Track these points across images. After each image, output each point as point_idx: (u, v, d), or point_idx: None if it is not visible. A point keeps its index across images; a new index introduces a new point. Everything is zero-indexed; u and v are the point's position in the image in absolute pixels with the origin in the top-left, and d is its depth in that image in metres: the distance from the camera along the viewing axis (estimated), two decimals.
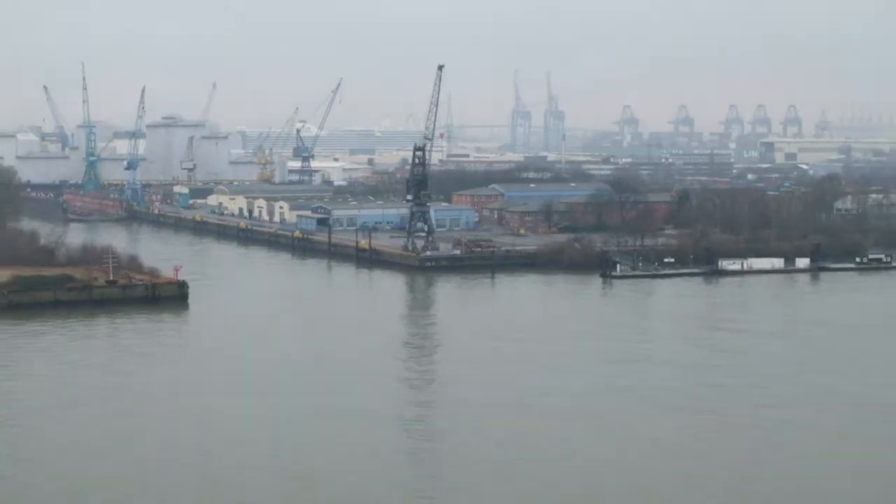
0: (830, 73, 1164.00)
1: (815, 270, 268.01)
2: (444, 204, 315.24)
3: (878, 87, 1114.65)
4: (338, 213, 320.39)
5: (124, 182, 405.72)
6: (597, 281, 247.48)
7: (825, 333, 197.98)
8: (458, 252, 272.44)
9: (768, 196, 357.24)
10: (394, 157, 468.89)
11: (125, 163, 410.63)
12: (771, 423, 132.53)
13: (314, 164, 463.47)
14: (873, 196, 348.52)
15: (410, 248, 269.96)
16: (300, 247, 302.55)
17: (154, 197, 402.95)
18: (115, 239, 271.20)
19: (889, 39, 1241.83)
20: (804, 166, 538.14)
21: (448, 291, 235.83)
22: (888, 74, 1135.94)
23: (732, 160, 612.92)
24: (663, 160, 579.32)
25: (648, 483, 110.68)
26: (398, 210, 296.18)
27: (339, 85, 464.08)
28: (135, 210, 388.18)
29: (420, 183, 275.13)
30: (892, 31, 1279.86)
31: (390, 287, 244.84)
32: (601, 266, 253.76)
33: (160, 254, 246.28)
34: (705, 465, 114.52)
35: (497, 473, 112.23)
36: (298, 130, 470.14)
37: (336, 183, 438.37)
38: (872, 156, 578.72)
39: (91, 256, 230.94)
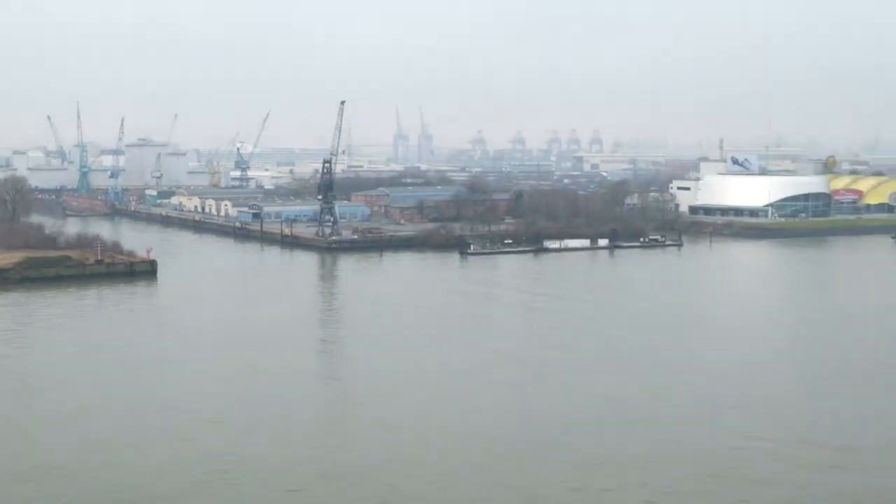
0: (622, 107, 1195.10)
1: (611, 248, 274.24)
2: (345, 202, 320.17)
3: (655, 117, 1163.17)
4: (267, 209, 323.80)
5: (108, 187, 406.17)
6: (456, 257, 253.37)
7: (608, 293, 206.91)
8: (355, 237, 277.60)
9: (579, 195, 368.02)
10: (309, 168, 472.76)
11: (109, 173, 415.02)
12: (546, 356, 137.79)
13: (250, 173, 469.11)
14: (652, 195, 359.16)
15: (321, 234, 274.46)
16: (240, 234, 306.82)
17: (131, 198, 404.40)
18: (102, 230, 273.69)
19: (658, 79, 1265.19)
20: (604, 174, 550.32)
21: (348, 265, 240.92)
22: (662, 107, 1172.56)
23: (553, 169, 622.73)
24: (504, 169, 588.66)
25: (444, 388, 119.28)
26: (312, 207, 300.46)
27: (267, 115, 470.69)
28: (117, 208, 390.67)
29: (328, 187, 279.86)
30: (662, 74, 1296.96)
31: (306, 263, 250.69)
32: (459, 246, 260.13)
33: (136, 240, 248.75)
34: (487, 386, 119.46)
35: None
36: (238, 148, 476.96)
37: (266, 187, 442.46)
38: (652, 166, 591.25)
39: (84, 242, 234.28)
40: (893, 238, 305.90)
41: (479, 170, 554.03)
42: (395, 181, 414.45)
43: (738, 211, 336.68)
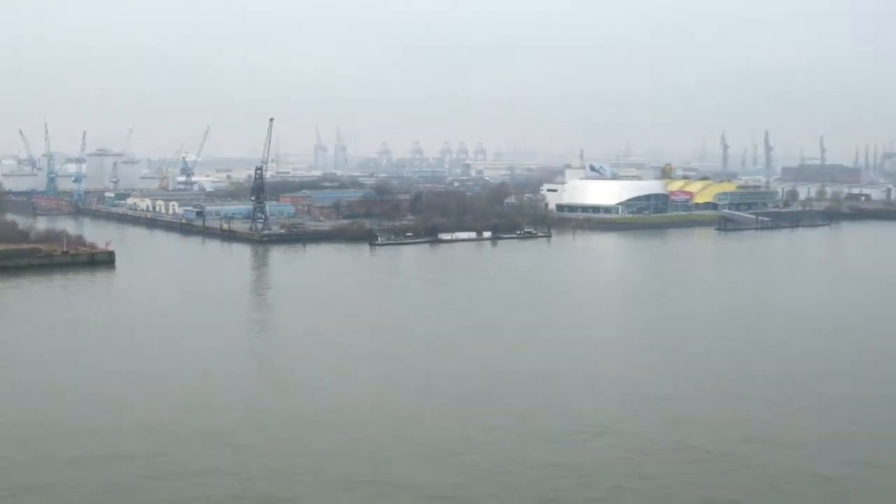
0: (502, 123, 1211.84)
1: (494, 239, 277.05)
2: (274, 202, 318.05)
3: (529, 131, 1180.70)
4: (208, 208, 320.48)
5: (73, 190, 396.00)
6: (366, 247, 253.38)
7: (488, 276, 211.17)
8: (283, 231, 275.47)
9: (467, 195, 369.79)
10: (244, 174, 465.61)
11: (73, 178, 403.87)
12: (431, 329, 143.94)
13: (194, 178, 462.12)
14: (526, 195, 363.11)
15: (254, 229, 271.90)
16: (185, 229, 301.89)
17: (92, 199, 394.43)
18: (67, 226, 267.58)
19: (530, 100, 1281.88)
20: (487, 178, 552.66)
21: (277, 255, 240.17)
22: (534, 123, 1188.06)
23: (446, 175, 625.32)
24: (405, 175, 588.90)
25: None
26: (246, 206, 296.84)
27: (207, 130, 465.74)
28: (80, 208, 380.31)
29: (259, 189, 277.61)
30: (533, 95, 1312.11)
31: (241, 253, 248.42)
32: (369, 238, 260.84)
33: (96, 235, 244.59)
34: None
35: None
36: (184, 157, 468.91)
37: (207, 190, 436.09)
38: (526, 172, 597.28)
39: (52, 237, 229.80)
40: (716, 230, 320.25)
41: (385, 175, 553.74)
42: (315, 185, 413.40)
43: (595, 208, 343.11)
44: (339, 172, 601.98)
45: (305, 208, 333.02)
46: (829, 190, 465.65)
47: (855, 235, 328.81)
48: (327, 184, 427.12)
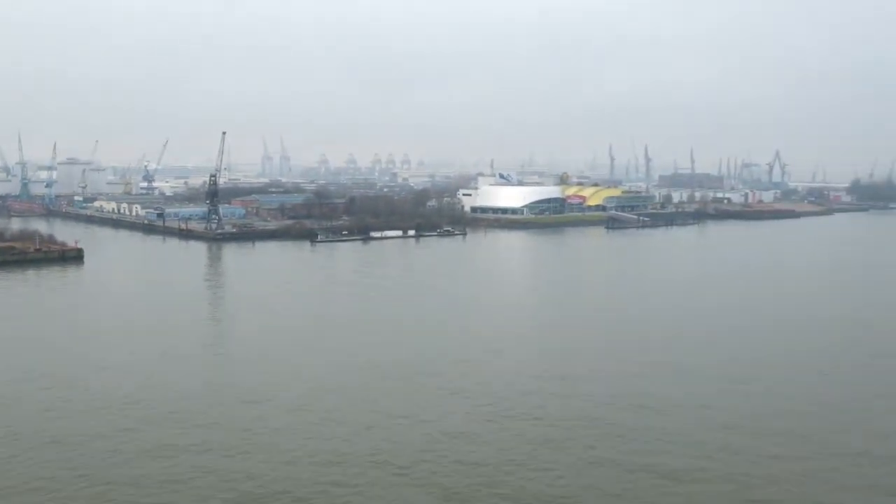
0: (425, 136, 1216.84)
1: (417, 236, 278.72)
2: (227, 205, 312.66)
3: (448, 143, 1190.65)
4: (168, 210, 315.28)
5: (45, 194, 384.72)
6: (308, 244, 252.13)
7: (412, 270, 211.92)
8: (235, 230, 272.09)
9: (394, 199, 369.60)
10: (199, 181, 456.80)
11: (45, 184, 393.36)
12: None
13: (155, 184, 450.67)
14: (445, 199, 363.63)
15: (209, 228, 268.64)
16: (147, 229, 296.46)
17: (62, 203, 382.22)
18: (40, 226, 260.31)
19: (448, 116, 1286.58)
20: (412, 184, 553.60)
21: (230, 251, 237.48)
22: (452, 136, 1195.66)
23: (376, 182, 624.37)
24: (341, 182, 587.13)
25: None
26: (202, 208, 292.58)
27: (166, 142, 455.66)
28: (51, 210, 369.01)
29: (213, 194, 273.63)
30: (451, 112, 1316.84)
31: (198, 249, 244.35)
32: (310, 236, 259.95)
33: (66, 234, 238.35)
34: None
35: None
36: (146, 166, 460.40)
37: (167, 194, 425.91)
38: (445, 179, 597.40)
39: (25, 236, 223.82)
40: (605, 228, 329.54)
41: (324, 182, 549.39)
42: (263, 190, 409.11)
43: (504, 210, 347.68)
44: (283, 179, 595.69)
45: (254, 210, 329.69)
46: (697, 194, 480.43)
47: (718, 231, 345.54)
48: (273, 189, 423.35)
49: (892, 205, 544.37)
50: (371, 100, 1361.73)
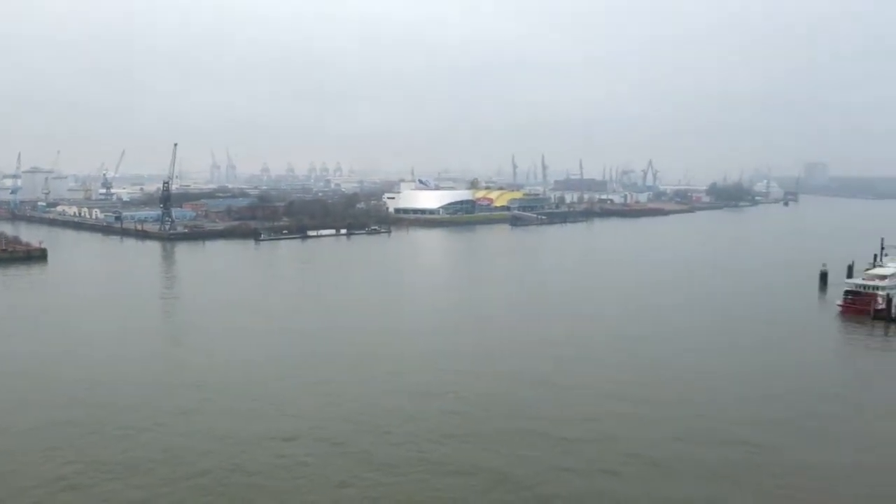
0: (355, 146, 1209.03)
1: (349, 234, 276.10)
2: (179, 208, 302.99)
3: (375, 152, 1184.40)
4: (125, 213, 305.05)
5: (10, 200, 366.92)
6: (252, 243, 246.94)
7: (344, 264, 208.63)
8: (186, 230, 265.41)
9: (328, 202, 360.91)
10: (154, 187, 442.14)
11: (10, 190, 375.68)
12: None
13: (113, 190, 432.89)
14: (373, 202, 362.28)
15: (163, 229, 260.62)
16: (106, 230, 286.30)
17: (27, 207, 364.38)
18: (5, 229, 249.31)
19: (373, 129, 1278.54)
20: (344, 189, 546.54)
21: (182, 249, 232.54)
22: (378, 146, 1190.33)
23: (312, 187, 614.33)
24: (281, 188, 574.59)
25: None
26: (156, 212, 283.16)
27: (123, 152, 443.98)
28: (16, 214, 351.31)
29: (167, 198, 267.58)
30: (376, 126, 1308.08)
31: (153, 247, 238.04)
32: (254, 235, 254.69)
33: (31, 236, 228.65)
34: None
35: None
36: (104, 174, 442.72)
37: (124, 199, 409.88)
38: (373, 184, 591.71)
39: None
40: (510, 225, 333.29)
41: (266, 188, 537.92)
42: (211, 195, 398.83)
43: (423, 211, 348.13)
44: (229, 185, 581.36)
45: (204, 213, 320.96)
46: (586, 196, 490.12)
47: (602, 226, 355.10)
48: (221, 194, 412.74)
49: (741, 203, 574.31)
50: (308, 113, 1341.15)
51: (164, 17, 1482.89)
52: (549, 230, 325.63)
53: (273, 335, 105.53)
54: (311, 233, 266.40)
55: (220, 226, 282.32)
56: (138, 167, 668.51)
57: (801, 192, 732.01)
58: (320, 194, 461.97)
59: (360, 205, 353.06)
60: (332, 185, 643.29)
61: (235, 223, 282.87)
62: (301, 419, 70.36)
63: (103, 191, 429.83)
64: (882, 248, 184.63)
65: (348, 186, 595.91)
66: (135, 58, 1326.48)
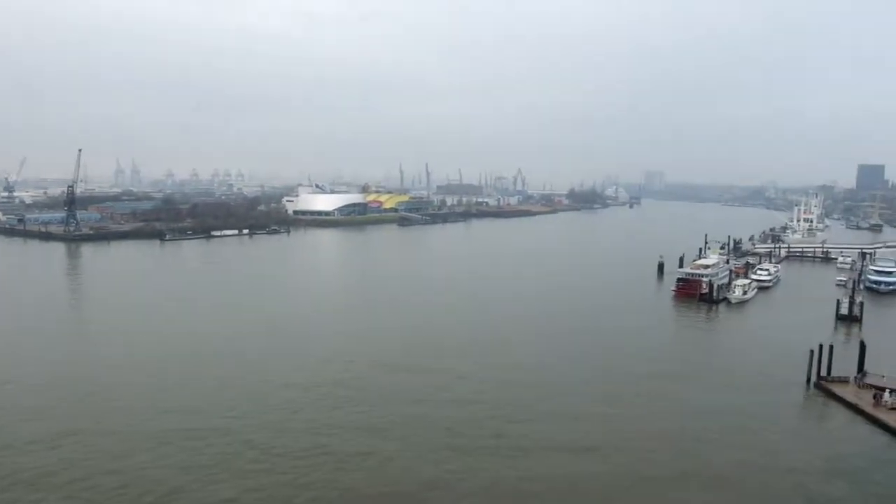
0: (255, 154, 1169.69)
1: (251, 234, 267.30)
2: (84, 211, 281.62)
3: (274, 161, 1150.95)
4: (29, 216, 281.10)
5: None
6: (157, 243, 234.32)
7: (243, 262, 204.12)
8: (91, 232, 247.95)
9: (231, 205, 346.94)
10: (58, 191, 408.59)
11: None
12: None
13: (15, 193, 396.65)
14: (273, 205, 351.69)
15: (67, 231, 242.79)
16: (8, 232, 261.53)
17: None
18: None
19: (272, 138, 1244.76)
20: (246, 193, 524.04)
21: (87, 249, 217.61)
22: (276, 154, 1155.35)
23: (216, 191, 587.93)
24: (185, 191, 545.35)
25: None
26: (61, 214, 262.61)
27: (24, 159, 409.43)
28: None
29: (71, 201, 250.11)
30: (275, 136, 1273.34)
31: (57, 248, 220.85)
32: (159, 236, 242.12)
33: None
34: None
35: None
36: (7, 178, 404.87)
37: (28, 202, 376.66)
38: (273, 188, 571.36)
39: None
40: (398, 225, 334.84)
41: (171, 192, 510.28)
42: (116, 198, 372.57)
43: (320, 213, 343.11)
44: (134, 189, 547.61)
45: (109, 215, 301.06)
46: (464, 199, 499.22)
47: (479, 225, 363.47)
48: (126, 198, 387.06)
49: (594, 206, 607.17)
50: (211, 121, 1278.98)
51: (63, 35, 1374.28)
52: (432, 229, 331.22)
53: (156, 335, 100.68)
54: (214, 233, 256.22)
55: (126, 227, 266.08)
56: (42, 172, 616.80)
57: (643, 196, 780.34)
58: (223, 197, 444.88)
59: (262, 207, 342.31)
60: (235, 190, 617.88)
61: (140, 224, 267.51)
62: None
63: (5, 194, 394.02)
64: (706, 243, 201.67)
65: (250, 190, 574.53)
66: (37, 73, 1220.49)
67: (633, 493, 52.50)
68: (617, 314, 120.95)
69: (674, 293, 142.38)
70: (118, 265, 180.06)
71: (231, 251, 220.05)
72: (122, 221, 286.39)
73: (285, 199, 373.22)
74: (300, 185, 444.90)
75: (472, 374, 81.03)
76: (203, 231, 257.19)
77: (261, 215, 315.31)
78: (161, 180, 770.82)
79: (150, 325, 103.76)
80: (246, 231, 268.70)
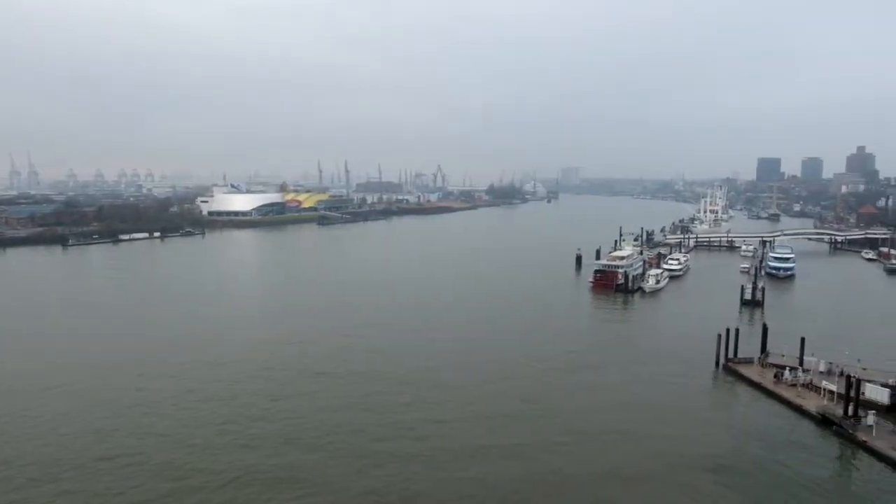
0: (169, 153, 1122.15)
1: (162, 237, 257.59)
2: None
3: (189, 159, 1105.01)
4: None
5: None
6: (59, 248, 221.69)
7: (159, 266, 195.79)
8: None
9: (140, 206, 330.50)
10: None
11: None
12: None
13: None
14: (186, 206, 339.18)
15: None
16: None
17: None
18: None
19: (192, 135, 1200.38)
20: (156, 194, 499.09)
21: None
22: (189, 155, 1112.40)
23: (123, 192, 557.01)
24: (90, 193, 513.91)
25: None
26: None
27: None
28: None
29: None
30: (192, 142, 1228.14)
31: None
32: (62, 241, 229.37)
33: None
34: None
35: None
36: None
37: None
38: (185, 189, 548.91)
39: None
40: (318, 224, 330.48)
41: (73, 194, 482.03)
42: (12, 201, 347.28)
43: (236, 213, 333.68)
44: (32, 192, 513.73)
45: (4, 220, 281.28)
46: (384, 197, 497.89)
47: (400, 223, 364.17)
48: (23, 200, 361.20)
49: (514, 201, 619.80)
50: (118, 122, 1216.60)
51: None
52: (354, 227, 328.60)
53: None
54: (123, 237, 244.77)
55: (23, 232, 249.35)
56: None
57: (560, 191, 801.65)
58: (132, 199, 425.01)
59: (174, 209, 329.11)
60: (145, 191, 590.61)
61: (40, 229, 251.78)
62: None
63: None
64: (621, 235, 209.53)
65: (161, 192, 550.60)
66: None
67: (561, 490, 52.28)
68: (538, 307, 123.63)
69: (591, 285, 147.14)
70: (10, 275, 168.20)
71: (141, 255, 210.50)
72: (19, 226, 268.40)
73: (199, 199, 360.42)
74: (215, 185, 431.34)
75: (389, 375, 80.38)
76: (110, 235, 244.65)
77: (173, 217, 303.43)
78: (62, 182, 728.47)
79: (44, 336, 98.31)
80: (157, 234, 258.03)
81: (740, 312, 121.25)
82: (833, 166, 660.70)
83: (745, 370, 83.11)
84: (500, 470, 54.86)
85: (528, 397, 72.74)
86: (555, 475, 54.28)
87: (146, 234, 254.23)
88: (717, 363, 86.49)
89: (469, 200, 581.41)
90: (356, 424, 63.62)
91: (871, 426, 63.52)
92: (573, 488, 52.31)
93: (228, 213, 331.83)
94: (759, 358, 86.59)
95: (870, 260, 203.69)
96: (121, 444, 59.17)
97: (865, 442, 60.99)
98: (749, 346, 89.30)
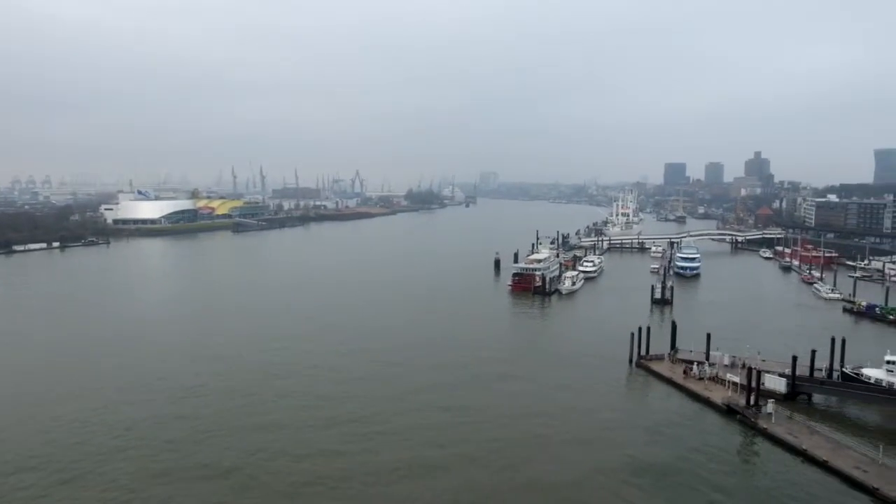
0: (67, 158, 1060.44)
1: (62, 247, 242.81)
2: None
3: (91, 165, 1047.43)
4: None
5: None
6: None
7: (67, 278, 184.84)
8: None
9: (36, 215, 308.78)
10: None
11: None
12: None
13: None
14: (89, 213, 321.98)
15: None
16: None
17: None
18: None
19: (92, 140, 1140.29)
20: (55, 202, 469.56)
21: None
22: (92, 160, 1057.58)
23: (16, 200, 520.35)
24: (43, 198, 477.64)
25: None
26: None
27: None
28: None
29: None
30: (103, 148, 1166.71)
31: None
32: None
33: None
34: None
35: None
36: None
37: None
38: (87, 196, 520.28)
39: None
40: (232, 231, 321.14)
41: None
42: None
43: (144, 221, 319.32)
44: None
45: None
46: (302, 203, 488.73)
47: (318, 229, 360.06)
48: None
49: (432, 206, 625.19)
50: (12, 125, 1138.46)
51: None
52: (270, 234, 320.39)
53: None
54: (17, 247, 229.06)
55: None
56: None
57: (478, 195, 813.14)
58: (27, 207, 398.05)
59: (75, 217, 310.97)
60: (41, 198, 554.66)
61: None
62: None
63: None
64: (538, 239, 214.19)
65: (60, 199, 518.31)
66: None
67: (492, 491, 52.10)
68: (458, 311, 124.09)
69: (510, 287, 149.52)
70: None
71: (36, 267, 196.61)
72: None
73: (103, 207, 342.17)
74: (120, 191, 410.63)
75: (309, 388, 78.33)
76: (3, 245, 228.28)
77: (74, 226, 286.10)
78: (14, 185, 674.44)
79: None
80: (56, 244, 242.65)
81: (651, 311, 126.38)
82: (733, 170, 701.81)
83: (657, 366, 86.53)
84: (418, 488, 52.78)
85: (450, 406, 71.83)
86: (472, 492, 52.38)
87: (44, 245, 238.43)
88: (631, 361, 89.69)
89: (388, 206, 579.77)
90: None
91: (770, 414, 67.54)
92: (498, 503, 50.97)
93: (136, 221, 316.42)
94: (670, 354, 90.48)
95: (767, 258, 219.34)
96: None
97: (766, 429, 64.58)
98: (660, 344, 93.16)
